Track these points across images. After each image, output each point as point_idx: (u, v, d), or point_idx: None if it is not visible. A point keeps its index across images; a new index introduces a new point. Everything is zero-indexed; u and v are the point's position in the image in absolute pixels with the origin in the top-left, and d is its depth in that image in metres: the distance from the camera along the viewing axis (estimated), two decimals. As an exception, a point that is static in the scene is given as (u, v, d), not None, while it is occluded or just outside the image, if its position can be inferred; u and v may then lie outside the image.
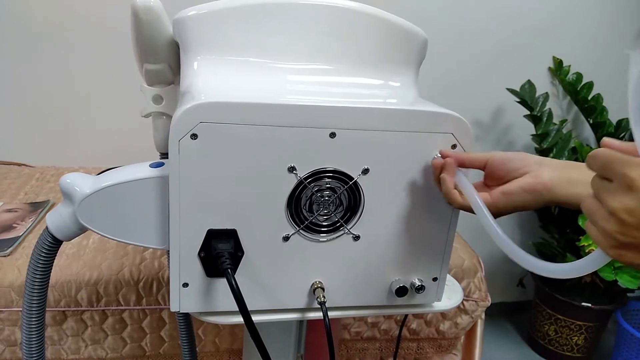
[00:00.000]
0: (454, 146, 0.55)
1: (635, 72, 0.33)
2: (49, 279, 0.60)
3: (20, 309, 0.60)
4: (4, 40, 1.44)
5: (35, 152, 1.58)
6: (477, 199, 0.50)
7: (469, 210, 0.52)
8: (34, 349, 0.62)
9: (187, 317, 0.76)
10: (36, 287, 0.59)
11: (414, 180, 0.56)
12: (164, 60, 0.61)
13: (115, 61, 1.49)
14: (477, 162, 0.55)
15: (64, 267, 0.97)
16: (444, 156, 0.54)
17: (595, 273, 1.62)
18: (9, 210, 1.19)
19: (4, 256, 0.99)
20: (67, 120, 1.56)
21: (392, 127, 0.53)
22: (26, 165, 1.56)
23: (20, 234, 1.07)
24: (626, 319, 1.71)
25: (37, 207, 1.21)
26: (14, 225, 1.11)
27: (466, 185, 0.52)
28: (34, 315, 0.60)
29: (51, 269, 0.60)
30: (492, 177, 0.54)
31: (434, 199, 0.57)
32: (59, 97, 1.53)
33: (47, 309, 0.93)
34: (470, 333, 1.21)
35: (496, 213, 0.51)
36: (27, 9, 1.43)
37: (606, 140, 0.38)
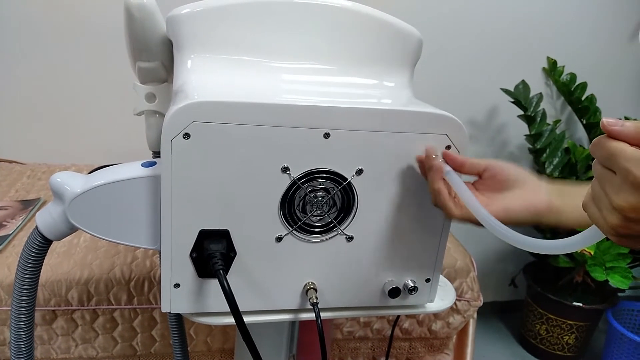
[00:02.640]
0: (448, 147, 0.55)
1: None
2: (38, 278, 0.60)
3: (10, 308, 0.60)
4: (-5, 36, 1.43)
5: (27, 149, 1.56)
6: (476, 202, 0.48)
7: (466, 219, 0.51)
8: (22, 349, 0.61)
9: (178, 317, 0.76)
10: (25, 287, 0.58)
11: (407, 181, 0.56)
12: (157, 58, 0.60)
13: (108, 58, 1.48)
14: (476, 167, 0.54)
15: (54, 266, 0.97)
16: (446, 158, 0.54)
17: (586, 273, 1.63)
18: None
19: (-6, 254, 0.98)
20: (59, 117, 1.54)
21: (386, 127, 0.53)
22: (17, 162, 1.54)
23: (11, 232, 1.06)
24: (617, 319, 1.73)
25: (28, 205, 1.19)
26: (4, 223, 1.10)
27: (460, 185, 0.50)
28: (22, 315, 0.59)
29: (41, 268, 0.59)
30: (490, 183, 0.54)
31: (427, 200, 0.57)
32: (51, 93, 1.51)
33: (37, 308, 0.92)
34: (462, 332, 1.22)
35: None
36: (20, 5, 1.41)
37: (606, 122, 0.34)
